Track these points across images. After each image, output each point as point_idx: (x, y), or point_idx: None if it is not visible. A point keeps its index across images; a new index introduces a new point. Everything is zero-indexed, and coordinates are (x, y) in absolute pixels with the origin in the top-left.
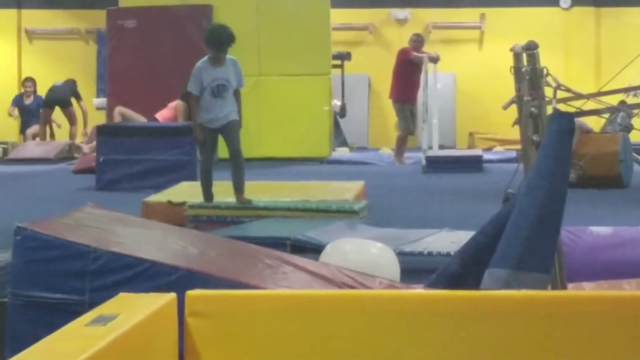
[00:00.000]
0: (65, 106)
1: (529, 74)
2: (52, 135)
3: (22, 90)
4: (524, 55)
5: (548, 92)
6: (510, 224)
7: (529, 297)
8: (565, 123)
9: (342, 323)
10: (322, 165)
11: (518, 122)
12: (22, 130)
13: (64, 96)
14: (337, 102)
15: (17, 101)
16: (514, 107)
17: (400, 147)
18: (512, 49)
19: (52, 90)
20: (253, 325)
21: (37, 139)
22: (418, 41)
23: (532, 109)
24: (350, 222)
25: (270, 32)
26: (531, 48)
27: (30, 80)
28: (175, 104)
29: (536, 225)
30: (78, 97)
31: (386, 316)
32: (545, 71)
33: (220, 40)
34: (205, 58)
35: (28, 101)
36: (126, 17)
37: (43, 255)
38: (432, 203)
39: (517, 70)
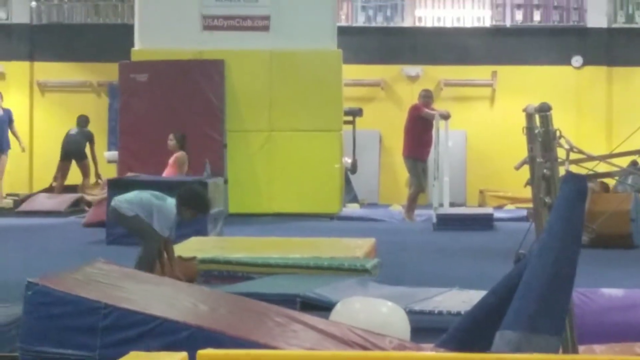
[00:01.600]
0: (81, 159)
1: (541, 135)
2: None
3: None
4: (537, 116)
5: (561, 153)
6: (521, 285)
7: None
8: (578, 185)
9: None
10: (333, 222)
11: (530, 182)
12: None
13: (79, 148)
14: (347, 160)
15: None
16: (526, 166)
17: (412, 204)
18: (525, 110)
19: (68, 140)
20: None
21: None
22: (428, 97)
23: (545, 170)
24: (360, 279)
25: (282, 87)
26: (544, 110)
27: None
28: (174, 158)
29: (548, 287)
30: (92, 142)
31: None
32: (558, 133)
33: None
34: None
35: None
36: (138, 71)
37: (54, 311)
38: (442, 261)
39: (529, 130)
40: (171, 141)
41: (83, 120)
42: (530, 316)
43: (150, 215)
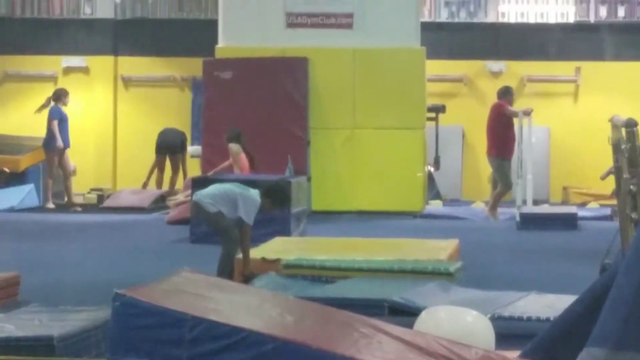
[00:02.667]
0: (174, 152)
1: (628, 151)
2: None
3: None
4: (623, 130)
5: None
6: (608, 301)
7: None
8: None
9: None
10: (416, 220)
11: (616, 193)
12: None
13: (175, 142)
14: (430, 168)
15: (59, 112)
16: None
17: (496, 203)
18: (611, 120)
19: (164, 133)
20: None
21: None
22: (510, 93)
23: (632, 187)
24: (444, 283)
25: (365, 85)
26: (630, 125)
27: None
28: (230, 151)
29: (634, 305)
30: (184, 149)
31: None
32: None
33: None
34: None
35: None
36: (222, 68)
37: (141, 323)
38: (526, 263)
39: (615, 142)
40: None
41: (181, 132)
42: (616, 334)
43: (235, 204)
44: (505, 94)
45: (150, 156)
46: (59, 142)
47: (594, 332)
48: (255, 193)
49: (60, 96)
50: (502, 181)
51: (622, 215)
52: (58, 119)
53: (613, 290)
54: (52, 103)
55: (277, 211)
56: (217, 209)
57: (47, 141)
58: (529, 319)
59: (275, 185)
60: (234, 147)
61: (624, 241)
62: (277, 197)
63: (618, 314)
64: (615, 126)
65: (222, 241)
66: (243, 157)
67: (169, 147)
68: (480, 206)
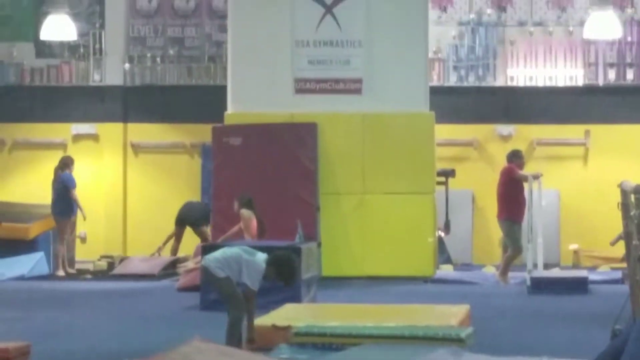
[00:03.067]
0: (198, 225)
1: (637, 218)
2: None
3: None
4: (632, 196)
5: None
6: None
7: None
8: None
9: None
10: (427, 285)
11: (626, 259)
12: (68, 213)
13: (195, 215)
14: (440, 233)
15: (74, 180)
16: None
17: (507, 267)
18: (620, 185)
19: (186, 207)
20: None
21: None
22: (519, 157)
23: None
24: (456, 349)
25: (374, 150)
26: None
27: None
28: (241, 217)
29: None
30: (207, 222)
31: None
32: None
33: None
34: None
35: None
36: (231, 135)
37: None
38: (537, 328)
39: (624, 206)
40: (235, 205)
41: (205, 204)
42: None
43: (240, 269)
44: (515, 157)
45: (160, 222)
46: (83, 212)
47: None
48: (261, 258)
49: (68, 164)
50: (513, 245)
51: (632, 281)
52: (73, 187)
53: (624, 357)
54: (60, 171)
55: (281, 283)
56: (225, 273)
57: (60, 208)
58: None
59: (283, 256)
60: (245, 213)
61: (635, 307)
62: (283, 268)
63: None
64: (624, 191)
65: (229, 308)
66: (254, 223)
67: (191, 220)
68: (491, 270)
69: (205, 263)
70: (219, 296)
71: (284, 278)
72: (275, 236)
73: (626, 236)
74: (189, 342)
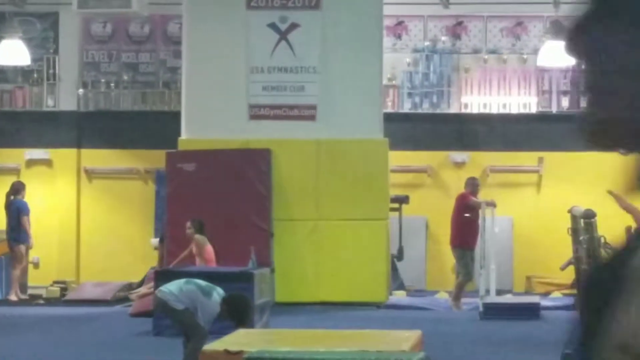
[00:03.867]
0: None
1: (586, 242)
2: None
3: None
4: (582, 221)
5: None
6: None
7: None
8: None
9: None
10: (380, 311)
11: (575, 284)
12: (24, 238)
13: None
14: (394, 254)
15: (27, 207)
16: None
17: (459, 293)
18: (569, 211)
19: None
20: None
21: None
22: (475, 184)
23: None
24: None
25: (329, 176)
26: (589, 217)
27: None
28: (193, 243)
29: None
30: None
31: None
32: (602, 240)
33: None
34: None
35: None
36: (185, 160)
37: None
38: (488, 353)
39: (574, 232)
40: (189, 229)
41: None
42: None
43: (195, 307)
44: (472, 185)
45: (114, 248)
46: (31, 240)
47: None
48: (217, 300)
49: (19, 189)
50: (463, 272)
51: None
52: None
53: None
54: (12, 197)
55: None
56: (185, 305)
57: (17, 234)
58: None
59: (237, 297)
60: (200, 238)
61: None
62: (237, 310)
63: None
64: (574, 217)
65: (191, 336)
66: (209, 248)
67: None
68: (444, 296)
69: (163, 296)
70: (178, 327)
71: (237, 319)
72: (228, 262)
73: (576, 261)
74: None
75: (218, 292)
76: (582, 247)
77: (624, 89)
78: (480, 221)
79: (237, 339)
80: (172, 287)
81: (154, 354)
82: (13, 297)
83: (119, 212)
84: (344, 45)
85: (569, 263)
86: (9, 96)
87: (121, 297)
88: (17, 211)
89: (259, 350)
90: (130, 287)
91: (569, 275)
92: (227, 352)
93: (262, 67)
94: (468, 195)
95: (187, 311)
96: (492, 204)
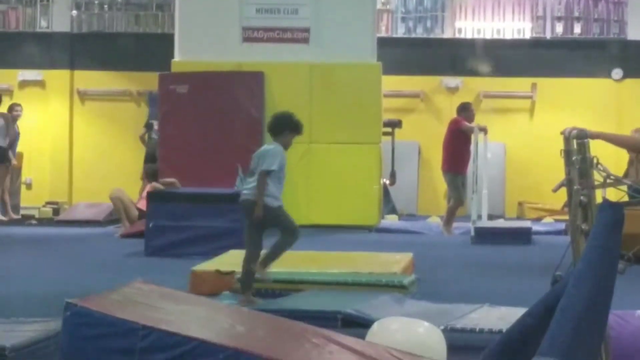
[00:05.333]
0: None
1: (579, 162)
2: None
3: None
4: (574, 141)
5: (599, 176)
6: (558, 312)
7: None
8: (615, 214)
9: None
10: (371, 234)
11: (567, 206)
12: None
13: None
14: (386, 181)
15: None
16: (564, 188)
17: (450, 218)
18: (562, 133)
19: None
20: None
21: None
22: (468, 110)
23: (582, 197)
24: (398, 296)
25: (321, 100)
26: (581, 137)
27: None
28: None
29: (583, 316)
30: None
31: None
32: (595, 160)
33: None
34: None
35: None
36: (178, 82)
37: (92, 332)
38: (480, 277)
39: (567, 153)
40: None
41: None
42: (566, 344)
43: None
44: (464, 110)
45: (107, 170)
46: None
47: (544, 342)
48: (269, 148)
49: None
50: (454, 196)
51: (572, 227)
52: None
53: (563, 301)
54: None
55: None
56: (279, 202)
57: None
58: (481, 331)
59: (277, 115)
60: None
61: (575, 253)
62: (291, 123)
63: (567, 324)
64: (566, 138)
65: (284, 233)
66: None
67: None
68: (435, 221)
69: (251, 197)
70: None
71: (297, 128)
72: (221, 184)
73: (568, 183)
74: (130, 284)
75: (267, 147)
76: (574, 168)
77: None
78: (472, 147)
79: (229, 260)
80: (248, 185)
81: (145, 273)
82: (2, 217)
83: (111, 134)
84: None
85: (560, 185)
86: (3, 17)
87: (114, 219)
88: None
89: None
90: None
91: (561, 200)
92: (218, 272)
93: None
94: (461, 120)
95: (281, 208)
96: (483, 129)
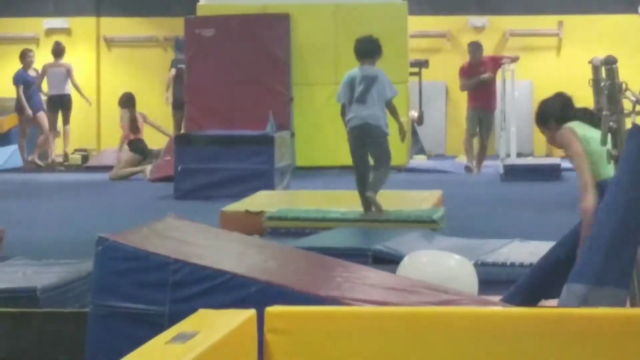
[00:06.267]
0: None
1: (607, 88)
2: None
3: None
4: (603, 69)
5: (627, 105)
6: (589, 239)
7: (607, 315)
8: None
9: (421, 340)
10: (400, 174)
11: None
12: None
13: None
14: (414, 113)
15: (22, 77)
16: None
17: (478, 156)
18: (591, 62)
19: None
20: (333, 342)
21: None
22: (471, 51)
23: (611, 123)
24: (427, 232)
25: (347, 41)
26: (610, 63)
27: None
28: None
29: (614, 240)
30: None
31: (464, 333)
32: (624, 86)
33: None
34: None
35: (32, 73)
36: (204, 26)
37: (124, 266)
38: (509, 213)
39: (596, 83)
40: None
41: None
42: (597, 269)
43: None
44: (470, 52)
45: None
46: (27, 110)
47: (575, 268)
48: (370, 71)
49: (21, 59)
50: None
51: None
52: (21, 84)
53: (594, 227)
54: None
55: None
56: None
57: (15, 106)
58: (512, 264)
59: (361, 39)
60: (121, 112)
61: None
62: (376, 46)
63: (599, 249)
64: (595, 67)
65: (383, 163)
66: (128, 121)
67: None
68: (464, 160)
69: (375, 122)
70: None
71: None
72: (248, 126)
73: (598, 112)
74: (163, 219)
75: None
76: (603, 95)
77: None
78: (499, 84)
79: (258, 200)
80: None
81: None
82: (37, 161)
83: (138, 81)
84: None
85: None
86: None
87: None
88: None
89: (280, 210)
90: (151, 153)
91: None
92: (247, 212)
93: None
94: (461, 74)
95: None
96: (515, 58)
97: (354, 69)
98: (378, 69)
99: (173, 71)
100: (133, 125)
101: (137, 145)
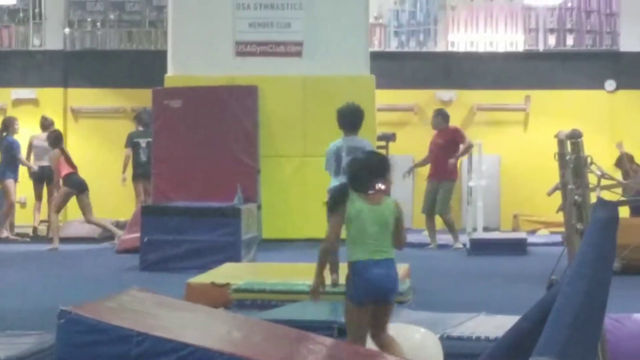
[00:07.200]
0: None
1: (573, 162)
2: None
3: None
4: (568, 143)
5: (593, 179)
6: (554, 311)
7: None
8: (609, 212)
9: None
10: None
11: (562, 208)
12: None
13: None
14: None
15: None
16: (558, 192)
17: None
18: (556, 136)
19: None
20: None
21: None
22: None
23: (576, 197)
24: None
25: (315, 113)
26: (575, 137)
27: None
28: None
29: (580, 313)
30: None
31: None
32: (589, 160)
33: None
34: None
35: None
36: (171, 97)
37: (86, 339)
38: (475, 287)
39: (561, 156)
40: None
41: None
42: (562, 343)
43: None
44: (446, 117)
45: (102, 187)
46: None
47: (540, 341)
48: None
49: (8, 126)
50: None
51: (567, 227)
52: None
53: (559, 300)
54: (2, 134)
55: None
56: None
57: (4, 171)
58: (477, 338)
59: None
60: (52, 153)
61: (571, 253)
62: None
63: (564, 322)
64: (560, 140)
65: None
66: (61, 160)
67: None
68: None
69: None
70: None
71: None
72: (215, 198)
73: (563, 186)
74: (125, 291)
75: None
76: (568, 169)
77: None
78: (467, 159)
79: (224, 272)
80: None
81: (141, 286)
82: (4, 234)
83: (106, 151)
84: None
85: (555, 188)
86: None
87: (109, 235)
88: (6, 149)
89: (247, 282)
90: (117, 225)
91: (556, 213)
92: (213, 284)
93: (248, 4)
94: (464, 133)
95: None
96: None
97: (338, 140)
98: (366, 141)
99: (128, 151)
100: (69, 160)
101: (72, 179)
